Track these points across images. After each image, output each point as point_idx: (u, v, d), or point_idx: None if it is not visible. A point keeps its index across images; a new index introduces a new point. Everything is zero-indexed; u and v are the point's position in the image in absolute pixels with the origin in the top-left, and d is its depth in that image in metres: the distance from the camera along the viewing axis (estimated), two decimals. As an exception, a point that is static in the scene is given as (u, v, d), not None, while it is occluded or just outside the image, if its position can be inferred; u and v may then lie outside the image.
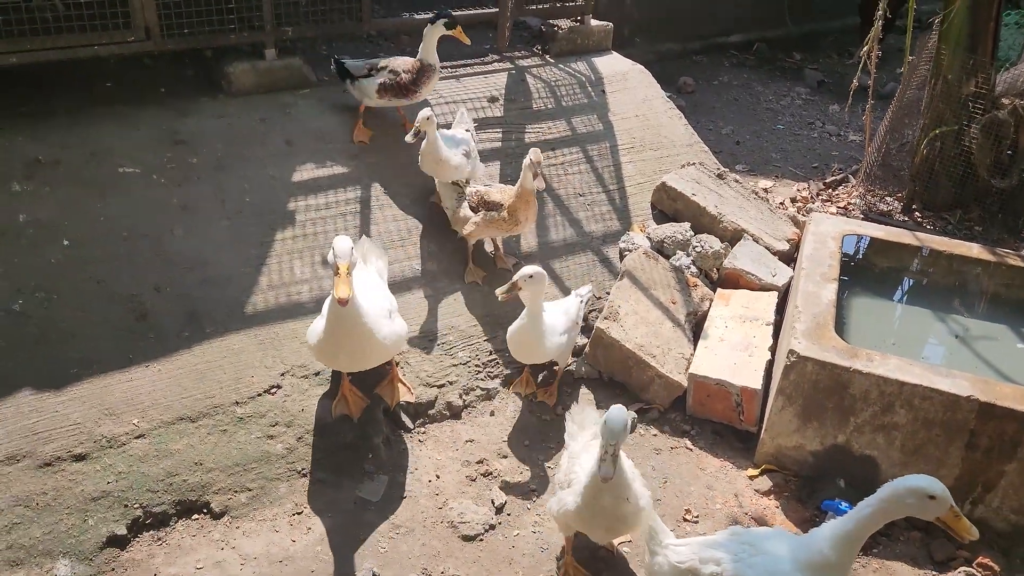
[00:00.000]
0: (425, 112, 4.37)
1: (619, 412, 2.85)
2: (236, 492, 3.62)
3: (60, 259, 4.04)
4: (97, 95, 4.86)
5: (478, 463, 3.93)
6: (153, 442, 3.62)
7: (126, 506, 3.44)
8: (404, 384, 4.14)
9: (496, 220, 4.37)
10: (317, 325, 3.67)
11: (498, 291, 3.81)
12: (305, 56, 5.42)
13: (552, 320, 4.03)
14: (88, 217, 4.20)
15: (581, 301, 4.32)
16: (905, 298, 4.73)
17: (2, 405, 3.56)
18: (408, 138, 4.41)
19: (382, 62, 4.86)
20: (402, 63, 4.82)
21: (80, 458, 3.51)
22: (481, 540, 3.57)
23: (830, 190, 6.52)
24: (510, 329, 4.01)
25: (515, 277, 3.75)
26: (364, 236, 4.22)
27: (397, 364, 4.14)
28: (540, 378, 4.41)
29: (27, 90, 4.70)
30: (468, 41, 4.93)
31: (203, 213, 4.38)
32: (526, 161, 4.15)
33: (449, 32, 4.75)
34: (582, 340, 4.58)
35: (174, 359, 3.89)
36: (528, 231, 4.91)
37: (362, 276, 3.82)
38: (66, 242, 4.10)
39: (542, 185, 4.24)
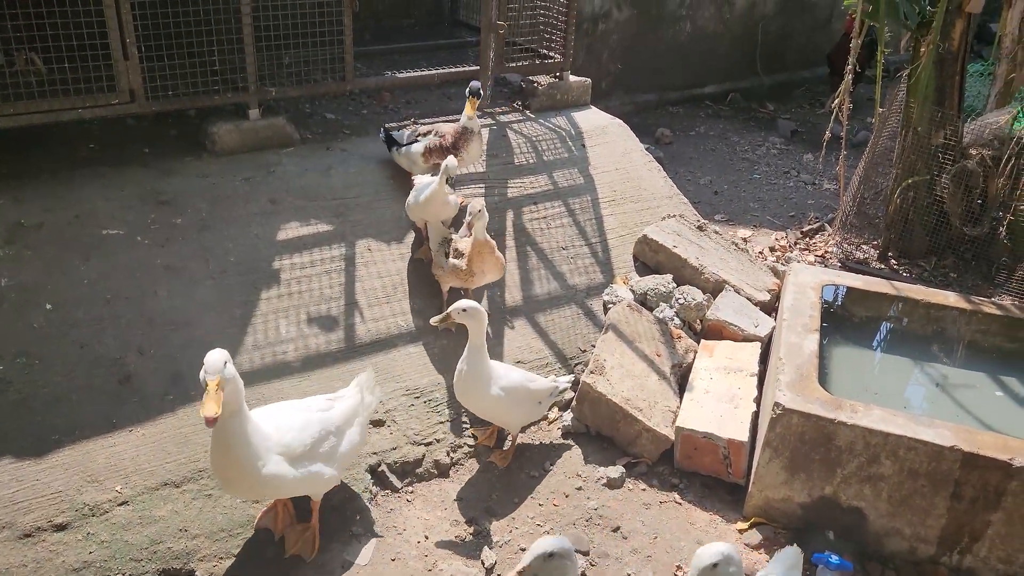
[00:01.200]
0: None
1: None
2: (222, 559, 3.56)
3: (42, 323, 4.01)
4: (80, 157, 4.88)
5: (467, 522, 3.90)
6: (136, 509, 3.57)
7: (109, 576, 3.38)
8: (315, 539, 3.65)
9: (456, 269, 4.41)
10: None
11: (433, 320, 3.91)
12: (288, 115, 5.49)
13: (504, 372, 4.03)
14: (71, 280, 4.19)
15: (557, 387, 4.29)
16: (885, 347, 4.79)
17: (-18, 474, 3.50)
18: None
19: (423, 128, 5.04)
20: (446, 127, 4.96)
21: (61, 528, 3.44)
22: (471, 603, 3.53)
23: (807, 239, 6.63)
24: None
25: (449, 309, 3.79)
26: (366, 372, 3.92)
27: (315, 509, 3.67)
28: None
29: (9, 153, 4.71)
30: (473, 113, 4.91)
31: (187, 274, 4.37)
32: (468, 212, 4.21)
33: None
34: (568, 394, 4.60)
35: (158, 423, 3.86)
36: (502, 283, 4.95)
37: (310, 408, 3.54)
38: (49, 306, 4.07)
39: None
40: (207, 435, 3.84)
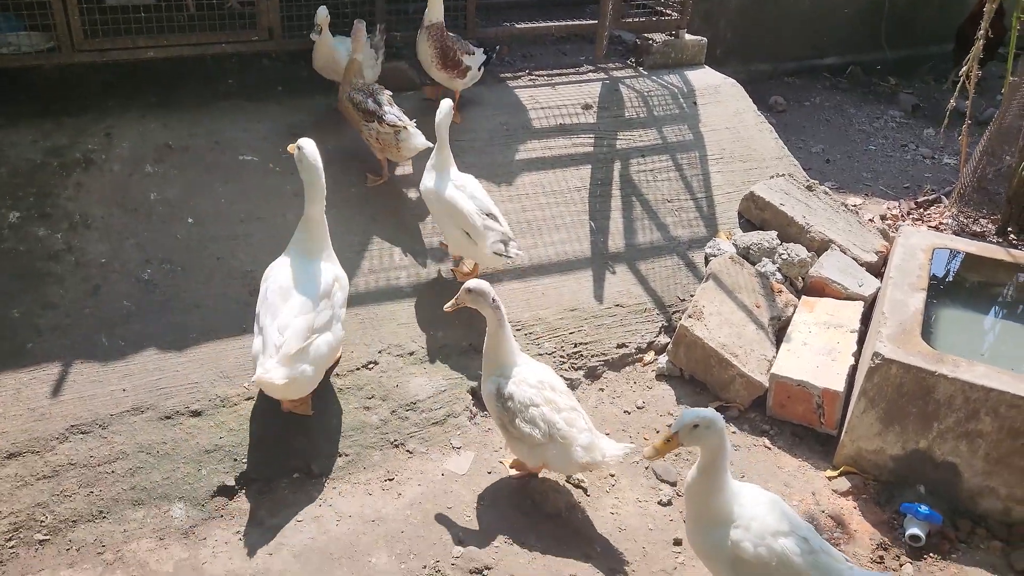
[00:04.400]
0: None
1: None
2: (334, 456, 3.87)
3: (185, 235, 4.40)
4: (221, 91, 5.26)
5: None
6: (260, 405, 3.91)
7: (235, 460, 3.73)
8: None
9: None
10: None
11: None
12: (409, 61, 5.73)
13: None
14: (211, 198, 4.57)
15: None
16: (996, 312, 4.69)
17: (131, 362, 3.91)
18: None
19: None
20: None
21: (196, 414, 3.82)
22: (561, 517, 3.72)
23: (921, 209, 6.47)
24: None
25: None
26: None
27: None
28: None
29: (159, 84, 5.13)
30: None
31: (313, 200, 4.69)
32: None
33: None
34: (664, 339, 4.72)
35: (282, 331, 4.19)
36: (605, 229, 5.09)
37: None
38: (190, 220, 4.46)
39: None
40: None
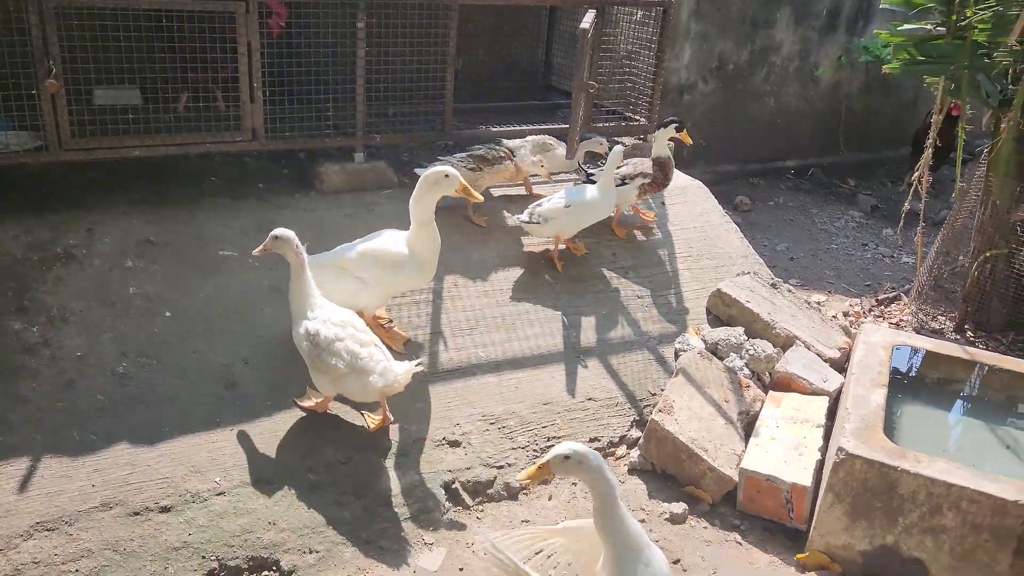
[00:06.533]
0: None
1: None
2: (304, 553, 3.83)
3: (162, 329, 4.45)
4: (204, 189, 5.41)
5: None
6: (232, 500, 3.89)
7: (203, 557, 3.68)
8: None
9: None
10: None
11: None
12: (388, 160, 5.95)
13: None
14: (190, 293, 4.64)
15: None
16: (954, 409, 4.82)
17: (102, 456, 3.89)
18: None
19: (624, 170, 5.78)
20: (644, 164, 5.81)
21: (166, 510, 3.78)
22: (532, 615, 3.69)
23: (882, 307, 6.70)
24: None
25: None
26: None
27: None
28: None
29: (145, 180, 5.27)
30: (690, 141, 5.91)
31: (291, 295, 4.78)
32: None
33: (677, 135, 5.72)
34: (636, 433, 4.79)
35: (256, 426, 4.20)
36: (578, 324, 5.22)
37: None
38: (168, 313, 4.52)
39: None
40: (301, 440, 4.19)
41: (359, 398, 4.20)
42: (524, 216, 5.41)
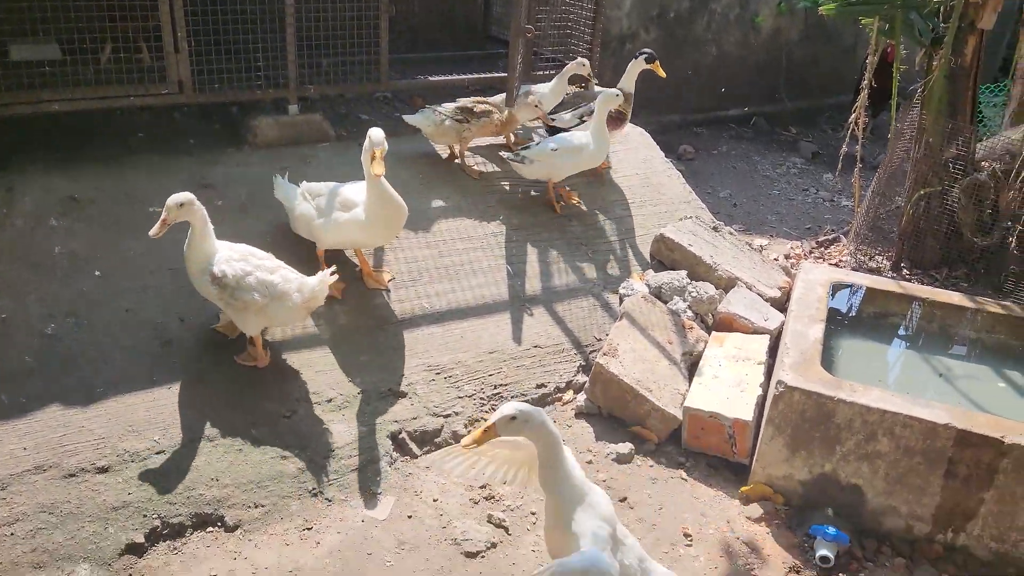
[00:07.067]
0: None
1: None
2: (250, 507, 3.78)
3: (91, 288, 4.31)
4: (131, 145, 5.23)
5: (481, 487, 4.09)
6: (173, 458, 3.81)
7: (145, 516, 3.61)
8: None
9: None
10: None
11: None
12: (324, 112, 5.81)
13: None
14: (119, 251, 4.50)
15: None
16: (890, 340, 4.94)
17: (32, 420, 3.77)
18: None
19: (580, 110, 5.80)
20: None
21: (103, 470, 3.69)
22: (483, 557, 3.71)
23: (822, 248, 6.81)
24: None
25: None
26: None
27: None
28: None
29: (67, 137, 5.07)
30: (664, 74, 5.86)
31: (227, 250, 4.66)
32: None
33: (649, 66, 5.71)
34: (582, 378, 4.81)
35: (195, 384, 4.11)
36: (522, 272, 5.20)
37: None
38: (97, 273, 4.37)
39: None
40: (242, 395, 4.12)
41: (287, 321, 4.19)
42: (511, 155, 5.47)
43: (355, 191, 4.50)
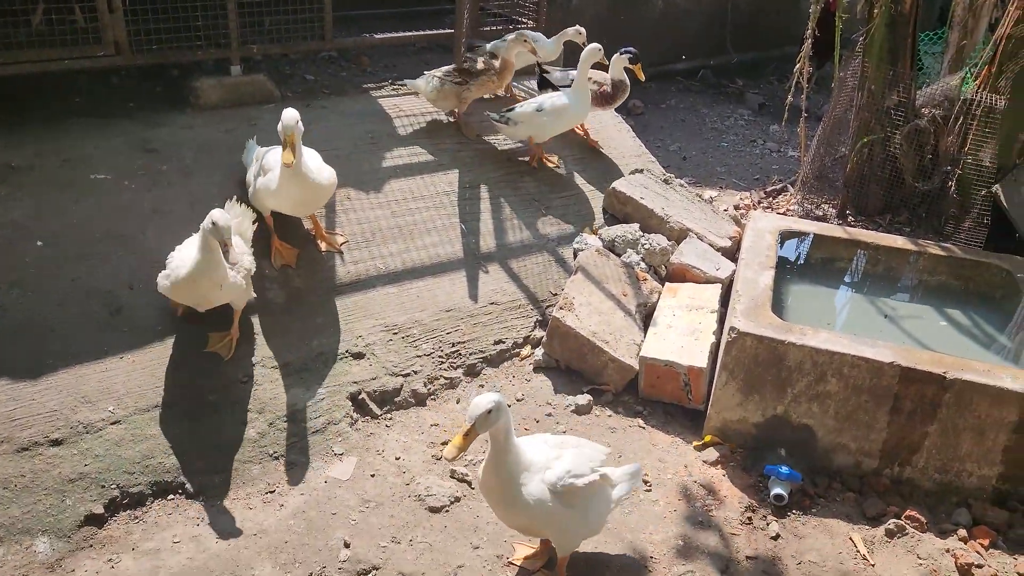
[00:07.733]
0: None
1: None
2: (211, 474, 3.77)
3: (35, 258, 4.19)
4: (70, 108, 5.07)
5: (443, 444, 4.13)
6: (129, 427, 3.77)
7: (103, 487, 3.57)
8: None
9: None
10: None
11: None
12: (268, 73, 5.68)
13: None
14: (62, 219, 4.37)
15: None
16: (837, 284, 5.08)
17: (-20, 394, 3.69)
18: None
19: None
20: (601, 76, 5.82)
21: (57, 443, 3.63)
22: (447, 511, 3.76)
23: (771, 198, 6.91)
24: None
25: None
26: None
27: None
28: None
29: (1, 101, 4.88)
30: (643, 78, 5.85)
31: (173, 216, 4.56)
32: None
33: (631, 67, 5.76)
34: (539, 332, 4.85)
35: (148, 351, 4.05)
36: (476, 230, 5.21)
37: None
38: (40, 242, 4.26)
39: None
40: (195, 362, 4.06)
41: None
42: (495, 115, 5.48)
43: (275, 157, 4.31)
